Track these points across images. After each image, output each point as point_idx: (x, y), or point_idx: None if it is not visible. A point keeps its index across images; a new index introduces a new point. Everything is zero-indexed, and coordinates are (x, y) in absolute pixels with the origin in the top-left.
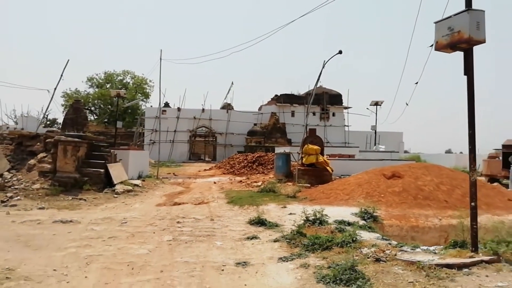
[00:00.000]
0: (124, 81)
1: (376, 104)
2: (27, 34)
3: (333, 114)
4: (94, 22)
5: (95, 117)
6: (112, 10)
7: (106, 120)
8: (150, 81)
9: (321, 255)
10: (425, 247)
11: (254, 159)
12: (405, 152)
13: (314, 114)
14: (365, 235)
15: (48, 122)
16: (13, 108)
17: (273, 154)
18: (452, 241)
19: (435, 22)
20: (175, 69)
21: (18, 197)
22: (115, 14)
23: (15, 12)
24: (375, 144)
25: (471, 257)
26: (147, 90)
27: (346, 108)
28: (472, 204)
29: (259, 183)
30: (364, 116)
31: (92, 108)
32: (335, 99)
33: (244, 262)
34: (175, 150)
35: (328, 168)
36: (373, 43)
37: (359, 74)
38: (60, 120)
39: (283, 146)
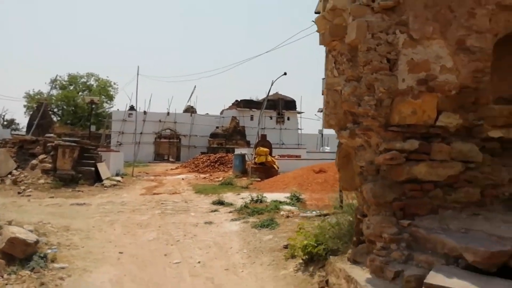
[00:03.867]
0: (88, 83)
1: (322, 110)
2: None
3: (288, 118)
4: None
5: (58, 119)
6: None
7: (69, 121)
8: (114, 83)
9: (257, 217)
10: (318, 211)
11: (216, 159)
12: None
13: (271, 118)
14: (287, 207)
15: (5, 123)
16: None
17: (233, 154)
18: (334, 207)
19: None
20: (142, 75)
21: (30, 189)
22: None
23: None
24: (322, 146)
25: (334, 212)
26: (111, 93)
27: (299, 113)
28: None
29: (220, 179)
30: (315, 120)
31: (55, 110)
32: (290, 104)
33: (210, 222)
34: (141, 151)
35: (274, 166)
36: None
37: (312, 81)
38: (19, 120)
39: (243, 147)
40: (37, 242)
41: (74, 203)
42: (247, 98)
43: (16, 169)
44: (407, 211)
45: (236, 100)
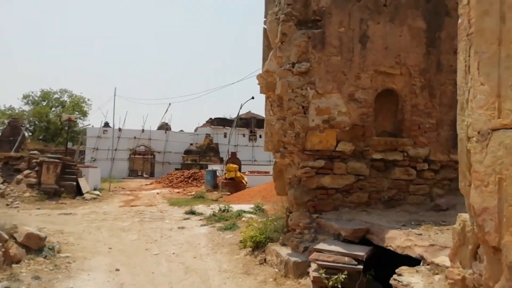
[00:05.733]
0: (61, 99)
1: None
2: None
3: (260, 136)
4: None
5: (30, 135)
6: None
7: (41, 137)
8: (88, 100)
9: (223, 222)
10: (274, 217)
11: (189, 175)
12: None
13: (244, 136)
14: (248, 215)
15: None
16: None
17: (205, 170)
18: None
19: None
20: (118, 93)
21: (17, 202)
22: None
23: None
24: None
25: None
26: (85, 109)
27: None
28: None
29: (193, 193)
30: None
31: (28, 126)
32: (262, 123)
33: (183, 227)
34: (116, 167)
35: (243, 181)
36: None
37: None
38: None
39: (216, 164)
40: (45, 237)
41: (61, 213)
42: (221, 116)
43: (2, 183)
44: (317, 208)
45: (210, 118)
